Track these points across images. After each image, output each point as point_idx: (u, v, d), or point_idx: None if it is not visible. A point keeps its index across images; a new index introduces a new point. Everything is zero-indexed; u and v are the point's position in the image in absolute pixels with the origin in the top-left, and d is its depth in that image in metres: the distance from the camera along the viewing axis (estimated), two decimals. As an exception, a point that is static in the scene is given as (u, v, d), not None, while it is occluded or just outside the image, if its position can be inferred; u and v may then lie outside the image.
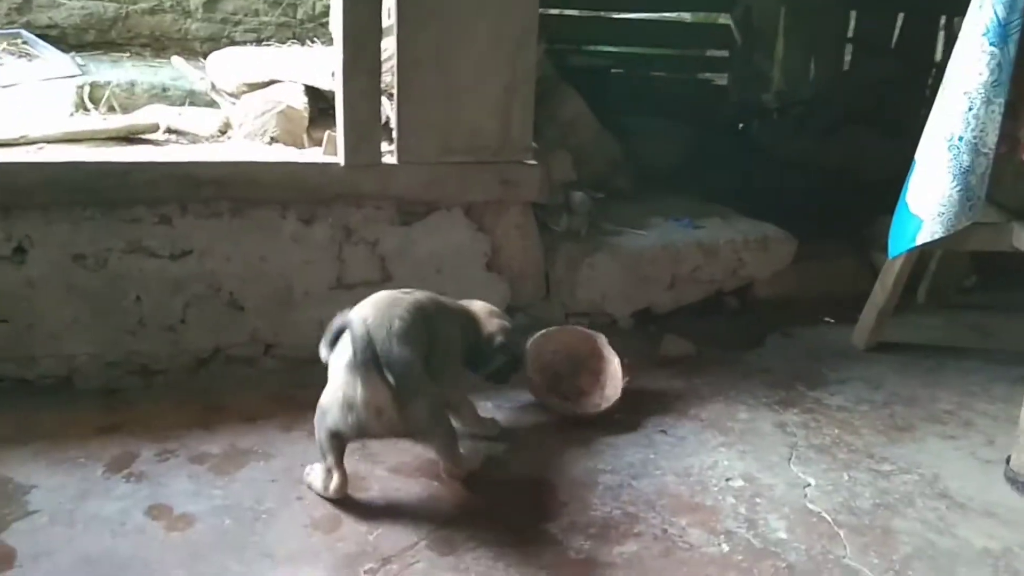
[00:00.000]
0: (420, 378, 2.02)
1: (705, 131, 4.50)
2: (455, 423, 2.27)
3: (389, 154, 2.85)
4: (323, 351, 2.07)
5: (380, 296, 2.15)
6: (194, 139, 3.00)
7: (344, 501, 2.13)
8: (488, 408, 2.61)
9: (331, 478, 2.14)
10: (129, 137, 2.90)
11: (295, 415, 2.50)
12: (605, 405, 2.60)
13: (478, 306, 2.44)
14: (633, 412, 2.67)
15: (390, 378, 1.96)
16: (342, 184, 2.76)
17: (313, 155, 2.88)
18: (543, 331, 2.72)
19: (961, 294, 3.71)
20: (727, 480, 2.32)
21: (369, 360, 1.96)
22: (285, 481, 2.19)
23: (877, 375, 2.99)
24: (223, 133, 3.06)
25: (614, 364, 2.66)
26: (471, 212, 2.97)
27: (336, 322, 2.05)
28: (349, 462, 2.19)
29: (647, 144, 4.20)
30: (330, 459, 2.13)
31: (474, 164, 2.88)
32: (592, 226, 3.35)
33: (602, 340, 2.73)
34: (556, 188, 3.32)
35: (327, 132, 2.87)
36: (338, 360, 2.03)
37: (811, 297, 3.57)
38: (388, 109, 2.87)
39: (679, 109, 4.67)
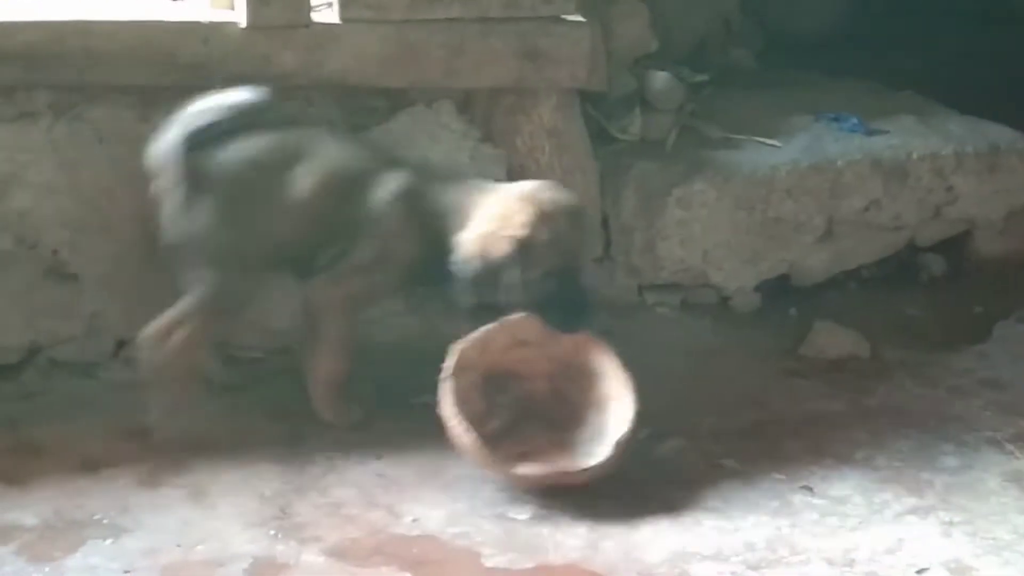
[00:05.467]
0: None
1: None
2: None
3: (325, 7, 2.85)
4: None
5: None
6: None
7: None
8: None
9: None
10: None
11: (163, 459, 2.53)
12: (594, 461, 2.48)
13: (509, 193, 2.59)
14: (757, 455, 2.65)
15: None
16: (243, 58, 2.76)
17: (195, 8, 2.87)
18: (490, 325, 2.58)
19: None
20: (919, 573, 2.31)
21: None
22: (148, 572, 2.23)
23: None
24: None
25: (618, 386, 2.59)
26: (469, 108, 2.99)
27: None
28: (263, 541, 2.26)
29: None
30: None
31: (474, 23, 2.88)
32: (686, 131, 3.33)
33: (598, 348, 2.64)
34: (622, 66, 3.30)
35: (217, -32, 2.86)
36: None
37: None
38: (325, -74, 2.86)
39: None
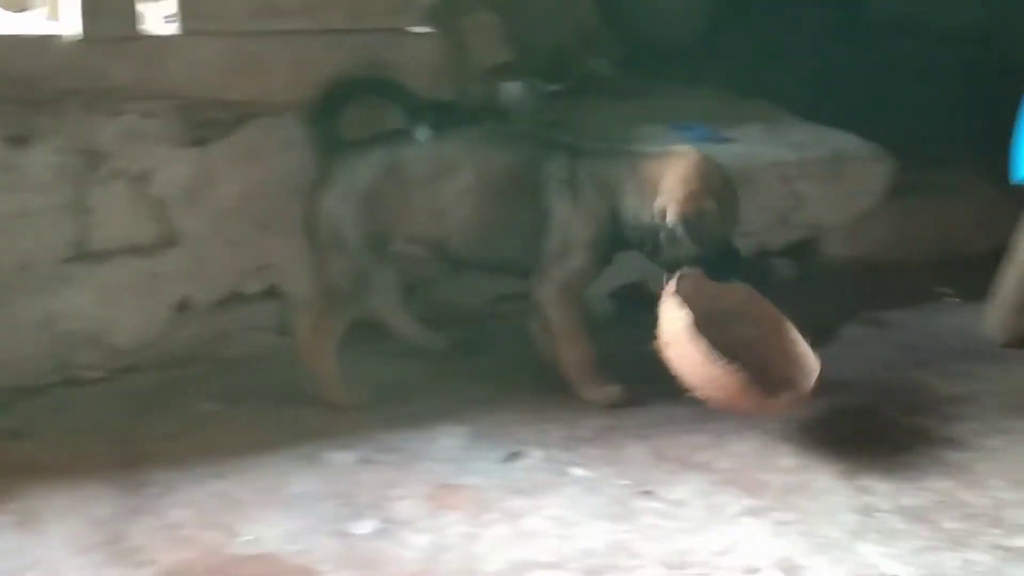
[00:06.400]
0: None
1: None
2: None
3: (166, 19, 2.83)
4: None
5: None
6: None
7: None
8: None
9: None
10: None
11: (-2, 489, 2.47)
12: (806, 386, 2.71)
13: (677, 165, 2.79)
14: (602, 461, 2.68)
15: None
16: (78, 71, 2.72)
17: (27, 19, 2.85)
18: (677, 279, 2.79)
19: None
20: (752, 575, 2.33)
21: None
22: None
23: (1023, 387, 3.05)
24: None
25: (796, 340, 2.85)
26: (316, 121, 2.95)
27: None
28: (93, 567, 2.24)
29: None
30: None
31: (318, 34, 2.89)
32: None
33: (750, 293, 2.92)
34: (473, 77, 3.33)
35: (49, -21, 2.82)
36: None
37: (919, 259, 3.62)
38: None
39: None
